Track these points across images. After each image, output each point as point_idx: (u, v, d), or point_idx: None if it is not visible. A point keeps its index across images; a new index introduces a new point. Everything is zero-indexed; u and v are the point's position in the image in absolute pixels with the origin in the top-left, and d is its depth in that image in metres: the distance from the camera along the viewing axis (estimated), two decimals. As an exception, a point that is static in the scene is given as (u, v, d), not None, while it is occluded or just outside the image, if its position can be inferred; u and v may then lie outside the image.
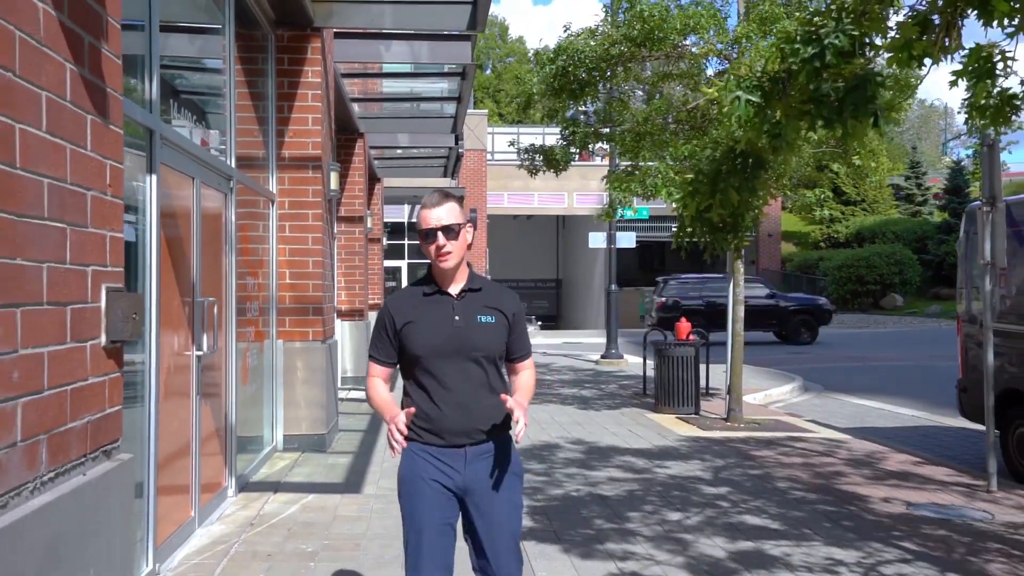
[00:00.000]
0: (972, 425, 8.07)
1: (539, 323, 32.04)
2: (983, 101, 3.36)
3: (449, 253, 2.72)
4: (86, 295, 2.28)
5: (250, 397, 6.64)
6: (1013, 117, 3.62)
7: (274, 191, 7.37)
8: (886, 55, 3.36)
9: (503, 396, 2.67)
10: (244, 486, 6.08)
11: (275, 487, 6.09)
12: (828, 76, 3.10)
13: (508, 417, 2.75)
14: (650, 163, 9.29)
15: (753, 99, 3.20)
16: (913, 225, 35.77)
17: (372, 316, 14.87)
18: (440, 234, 2.70)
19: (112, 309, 2.41)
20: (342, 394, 10.37)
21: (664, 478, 6.53)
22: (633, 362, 15.42)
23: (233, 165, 6.05)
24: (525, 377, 2.90)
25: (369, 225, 13.37)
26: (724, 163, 3.67)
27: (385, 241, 18.96)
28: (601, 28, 8.85)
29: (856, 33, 3.04)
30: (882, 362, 16.93)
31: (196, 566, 4.38)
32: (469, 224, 2.80)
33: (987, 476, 6.25)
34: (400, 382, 2.94)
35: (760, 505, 5.71)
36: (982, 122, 3.65)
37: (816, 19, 3.12)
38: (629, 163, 9.95)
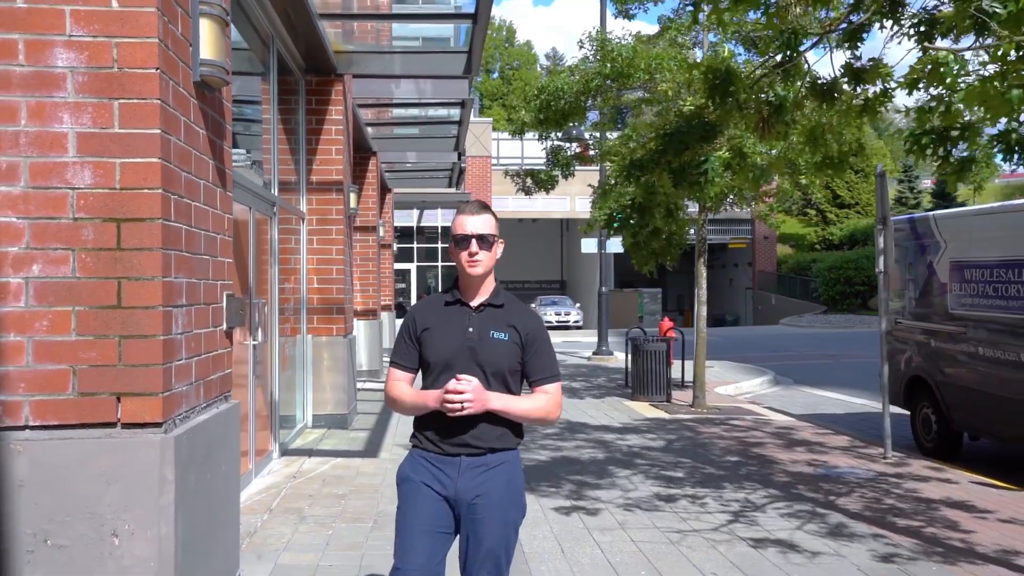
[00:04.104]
0: (897, 410, 9.44)
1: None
2: (817, 159, 4.81)
3: (479, 261, 2.75)
4: (217, 298, 3.72)
5: (286, 381, 8.11)
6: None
7: (304, 210, 8.84)
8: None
9: (458, 375, 2.68)
10: (284, 452, 7.54)
11: (309, 452, 7.55)
12: (689, 154, 4.53)
13: (511, 435, 2.80)
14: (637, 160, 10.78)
15: (635, 173, 4.65)
16: (904, 228, 36.98)
17: (384, 316, 16.35)
18: (474, 241, 2.74)
19: (229, 307, 3.85)
20: (358, 384, 11.83)
21: (623, 447, 7.97)
22: (622, 359, 16.82)
23: (276, 193, 7.52)
24: (536, 396, 2.82)
25: (381, 233, 14.82)
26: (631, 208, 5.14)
27: (395, 246, 20.44)
28: (580, 67, 10.31)
29: (709, 122, 4.47)
30: (857, 359, 18.24)
31: (258, 501, 5.84)
32: (502, 241, 2.85)
33: (895, 448, 7.65)
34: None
35: (694, 465, 7.14)
36: (828, 172, 5.12)
37: (686, 109, 4.55)
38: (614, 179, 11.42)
